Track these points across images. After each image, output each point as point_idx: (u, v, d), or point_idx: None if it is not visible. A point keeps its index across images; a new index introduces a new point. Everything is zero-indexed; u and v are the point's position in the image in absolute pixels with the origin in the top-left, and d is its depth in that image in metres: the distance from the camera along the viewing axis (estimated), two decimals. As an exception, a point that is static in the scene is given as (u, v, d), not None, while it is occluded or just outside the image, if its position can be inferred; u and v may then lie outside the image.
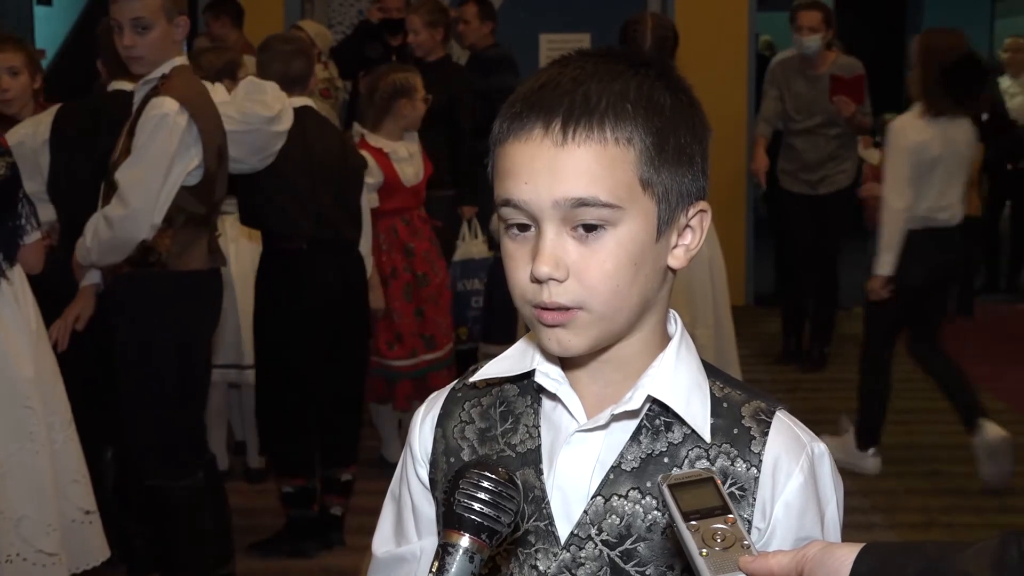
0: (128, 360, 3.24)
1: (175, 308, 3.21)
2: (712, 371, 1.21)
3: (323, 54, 6.21)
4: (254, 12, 6.42)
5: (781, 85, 6.04)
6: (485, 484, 1.01)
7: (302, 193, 3.75)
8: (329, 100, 6.18)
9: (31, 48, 3.96)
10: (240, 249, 4.38)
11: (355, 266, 3.93)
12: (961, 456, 4.93)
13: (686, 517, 0.96)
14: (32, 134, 3.49)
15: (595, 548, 1.15)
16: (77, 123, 3.54)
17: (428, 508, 1.26)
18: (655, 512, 1.14)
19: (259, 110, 3.54)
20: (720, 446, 1.15)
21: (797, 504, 1.15)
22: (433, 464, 1.25)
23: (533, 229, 1.10)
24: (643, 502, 1.14)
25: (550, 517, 1.17)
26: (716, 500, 0.98)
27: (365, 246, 4.01)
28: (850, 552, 0.92)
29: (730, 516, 0.97)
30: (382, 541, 1.31)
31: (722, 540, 0.95)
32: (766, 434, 1.16)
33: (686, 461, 1.15)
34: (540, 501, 1.17)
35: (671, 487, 0.98)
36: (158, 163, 3.08)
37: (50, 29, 7.71)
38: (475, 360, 4.48)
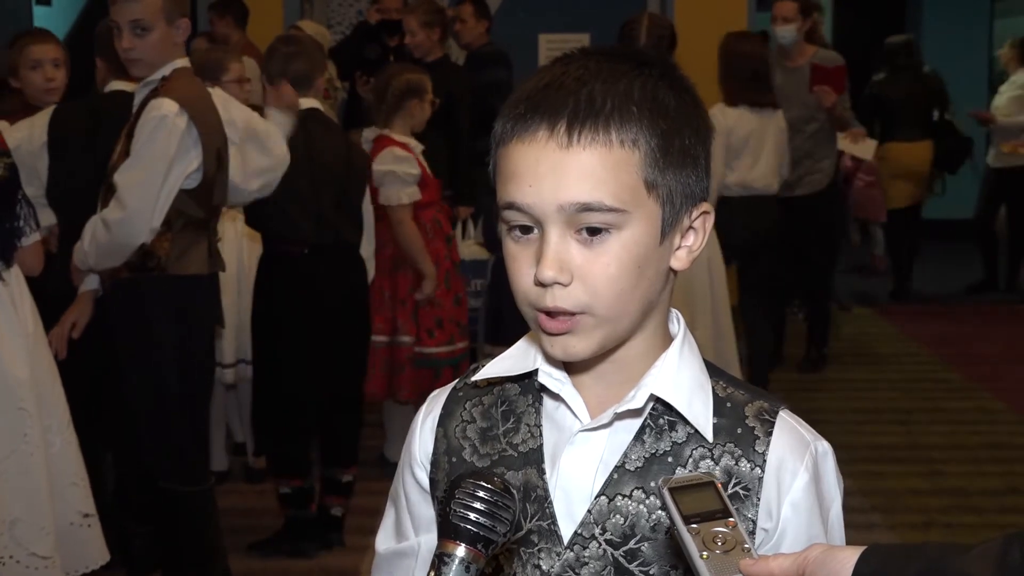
0: (131, 364, 3.24)
1: (175, 312, 3.20)
2: (715, 371, 1.21)
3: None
4: (254, 12, 6.41)
5: None
6: (481, 494, 1.01)
7: (303, 197, 3.73)
8: (328, 100, 6.17)
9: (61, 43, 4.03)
10: (246, 247, 4.40)
11: (356, 269, 3.92)
12: (961, 456, 4.95)
13: (687, 520, 0.96)
14: (28, 137, 3.46)
15: (599, 548, 1.15)
16: (74, 124, 3.53)
17: (425, 509, 1.26)
18: (659, 512, 1.14)
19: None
20: (724, 445, 1.15)
21: (804, 503, 1.15)
22: (435, 464, 1.25)
23: (536, 231, 1.09)
24: (647, 502, 1.14)
25: (553, 517, 1.16)
26: (717, 504, 0.97)
27: (367, 248, 4.00)
28: (852, 554, 0.92)
29: (731, 519, 0.96)
30: (384, 538, 1.32)
31: (723, 543, 0.95)
32: (770, 434, 1.16)
33: (690, 460, 1.15)
34: (543, 501, 1.17)
35: (671, 490, 0.98)
36: (157, 165, 3.06)
37: (49, 29, 7.69)
38: (473, 360, 4.49)
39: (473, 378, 1.25)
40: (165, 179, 3.07)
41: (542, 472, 1.18)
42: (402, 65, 4.74)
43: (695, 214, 1.14)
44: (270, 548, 3.88)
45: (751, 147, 5.05)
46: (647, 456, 1.15)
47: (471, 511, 1.00)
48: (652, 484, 1.14)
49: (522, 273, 1.10)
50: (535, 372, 1.19)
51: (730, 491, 1.13)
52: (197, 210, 3.18)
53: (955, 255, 9.20)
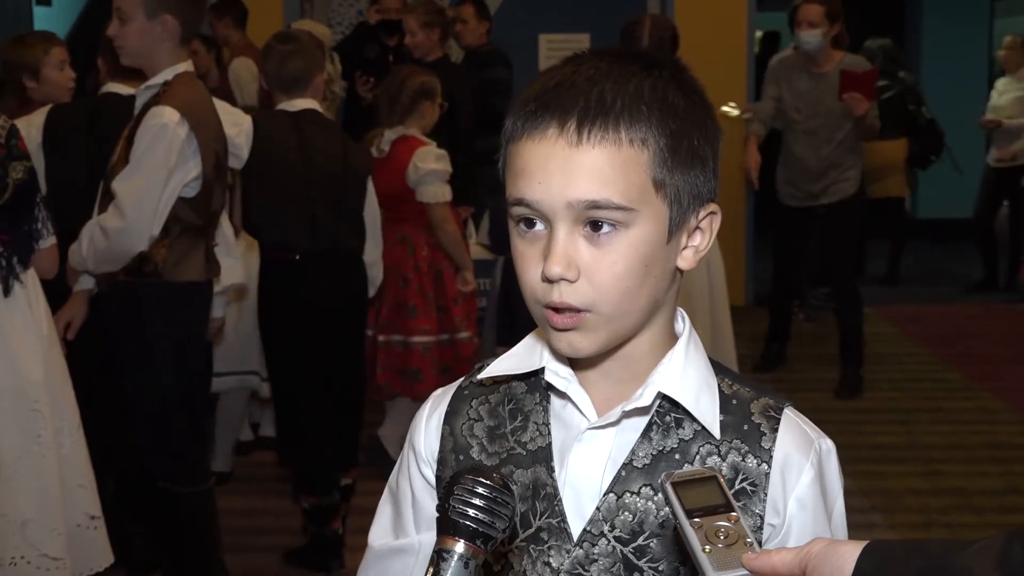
0: (128, 366, 3.24)
1: (171, 318, 3.19)
2: (720, 369, 1.22)
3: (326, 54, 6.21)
4: (254, 12, 6.42)
5: (781, 83, 5.62)
6: (480, 490, 1.01)
7: (297, 202, 3.67)
8: (325, 101, 6.17)
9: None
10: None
11: (352, 274, 3.83)
12: (961, 456, 4.95)
13: (689, 514, 0.96)
14: (25, 137, 3.46)
15: (608, 544, 1.15)
16: (70, 125, 3.53)
17: (430, 504, 1.26)
18: (667, 508, 1.14)
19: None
20: (731, 442, 1.16)
21: (810, 499, 1.16)
22: (441, 462, 1.25)
23: (544, 228, 1.10)
24: (655, 498, 1.15)
25: (562, 514, 1.17)
26: (719, 498, 0.98)
27: (373, 252, 3.91)
28: (854, 549, 0.92)
29: (733, 514, 0.97)
30: (380, 534, 1.31)
31: (725, 537, 0.95)
32: (776, 430, 1.17)
33: (697, 457, 1.16)
34: (552, 498, 1.18)
35: (674, 484, 0.98)
36: (156, 175, 3.04)
37: (49, 29, 7.69)
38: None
39: (479, 376, 1.25)
40: (164, 188, 3.06)
41: (551, 470, 1.18)
42: (413, 67, 4.72)
43: (702, 214, 1.15)
44: (294, 559, 3.86)
45: None
46: (654, 453, 1.16)
47: (470, 507, 1.00)
48: (660, 481, 1.14)
49: (530, 269, 1.11)
50: (541, 370, 1.20)
51: (737, 487, 1.15)
52: (195, 217, 3.17)
53: (955, 255, 9.20)
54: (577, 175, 1.07)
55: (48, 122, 3.52)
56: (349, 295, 3.82)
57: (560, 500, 1.17)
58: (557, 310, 1.10)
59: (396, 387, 4.46)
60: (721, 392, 1.18)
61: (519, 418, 1.22)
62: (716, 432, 1.15)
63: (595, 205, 1.07)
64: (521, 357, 1.21)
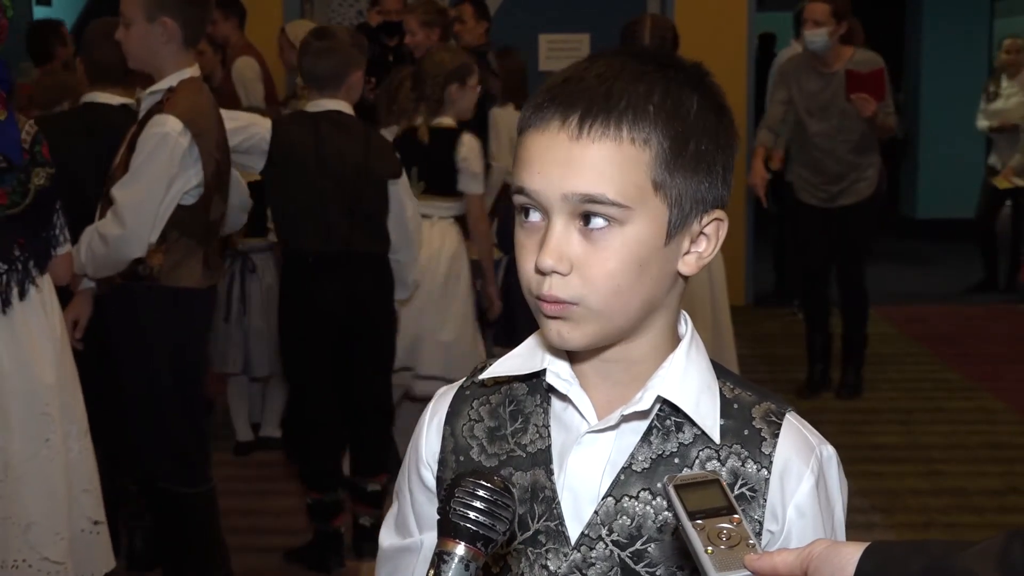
0: (126, 368, 3.24)
1: (167, 322, 3.19)
2: (722, 372, 1.21)
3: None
4: (253, 12, 6.41)
5: (791, 84, 5.43)
6: (481, 493, 1.01)
7: (309, 205, 3.64)
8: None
9: None
10: None
11: (368, 277, 3.74)
12: (961, 456, 4.95)
13: (691, 516, 0.96)
14: None
15: (605, 548, 1.15)
16: (52, 139, 3.52)
17: (429, 507, 1.26)
18: (666, 513, 1.14)
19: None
20: (731, 447, 1.16)
21: (810, 507, 1.15)
22: (442, 463, 1.25)
23: (541, 219, 1.11)
24: (654, 503, 1.15)
25: (560, 517, 1.17)
26: (721, 501, 0.98)
27: (406, 253, 3.82)
28: (855, 550, 0.92)
29: (735, 516, 0.97)
30: (388, 534, 1.32)
31: (727, 539, 0.95)
32: (776, 435, 1.16)
33: (696, 462, 1.15)
34: (551, 501, 1.17)
35: (676, 487, 0.98)
36: (157, 184, 3.03)
37: (49, 29, 7.69)
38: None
39: (480, 376, 1.25)
40: (164, 196, 3.06)
41: (550, 473, 1.18)
42: (410, 68, 4.68)
43: (706, 220, 1.14)
44: (295, 557, 3.86)
45: None
46: (654, 457, 1.16)
47: (471, 510, 1.00)
48: (659, 485, 1.14)
49: (527, 260, 1.12)
50: (543, 372, 1.20)
51: (736, 492, 1.14)
52: (193, 224, 3.17)
53: (955, 255, 9.21)
54: (575, 168, 1.08)
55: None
56: (362, 298, 3.73)
57: (558, 503, 1.17)
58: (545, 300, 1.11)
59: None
60: (722, 396, 1.18)
61: (519, 420, 1.22)
62: (716, 437, 1.15)
63: (591, 199, 1.07)
64: (523, 358, 1.21)
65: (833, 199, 5.43)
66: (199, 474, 3.33)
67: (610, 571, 1.15)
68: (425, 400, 1.36)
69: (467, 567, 1.00)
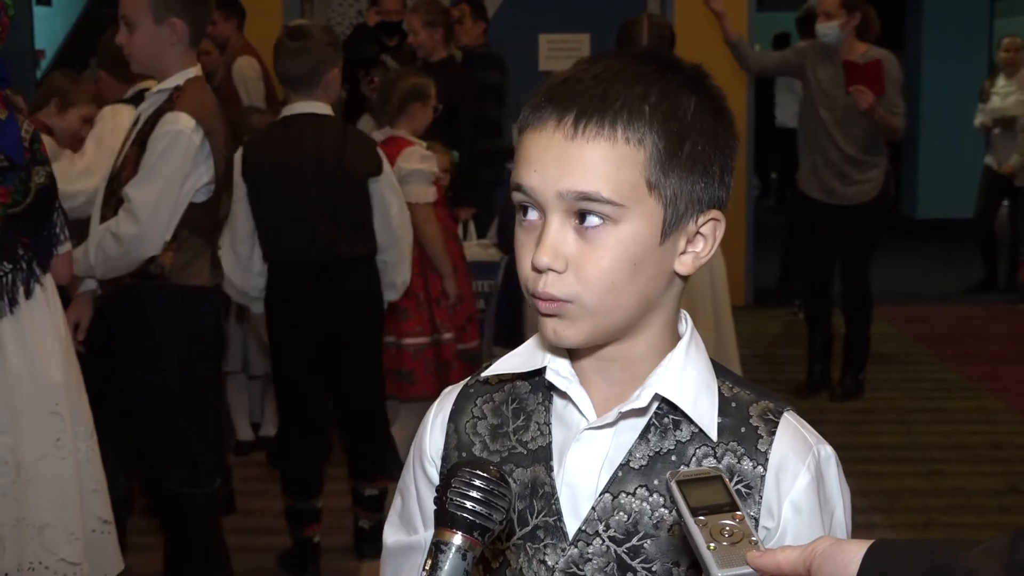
0: (134, 368, 3.24)
1: (177, 321, 3.19)
2: (721, 371, 1.22)
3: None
4: (253, 12, 6.42)
5: (806, 64, 5.37)
6: (477, 483, 1.02)
7: (289, 214, 3.58)
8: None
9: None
10: None
11: (355, 280, 3.69)
12: (961, 456, 4.95)
13: (694, 512, 0.96)
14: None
15: (602, 544, 1.16)
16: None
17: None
18: (662, 509, 1.15)
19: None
20: (727, 444, 1.16)
21: (806, 504, 1.16)
22: (445, 459, 1.26)
23: (539, 217, 1.12)
24: (650, 499, 1.16)
25: (559, 513, 1.18)
26: (724, 497, 0.98)
27: (392, 253, 3.74)
28: (859, 548, 0.92)
29: (738, 513, 0.97)
30: (392, 531, 1.33)
31: (730, 535, 0.95)
32: (773, 433, 1.17)
33: (693, 459, 1.16)
34: (550, 497, 1.18)
35: (679, 483, 0.98)
36: (172, 182, 3.03)
37: (49, 29, 7.71)
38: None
39: (483, 374, 1.26)
40: (178, 194, 3.06)
41: (550, 469, 1.19)
42: (407, 69, 4.72)
43: (702, 220, 1.15)
44: (281, 561, 3.86)
45: None
46: (651, 454, 1.16)
47: (467, 500, 1.01)
48: (656, 482, 1.15)
49: (525, 257, 1.13)
50: (544, 370, 1.20)
51: (732, 489, 1.14)
52: (203, 222, 3.17)
53: (955, 255, 9.21)
54: (570, 167, 1.09)
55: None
56: (350, 304, 3.68)
57: (557, 499, 1.18)
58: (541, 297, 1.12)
59: (389, 389, 4.43)
60: (721, 395, 1.18)
61: (521, 417, 1.23)
62: (713, 435, 1.16)
63: (585, 197, 1.08)
64: (524, 356, 1.23)
65: (835, 196, 5.39)
66: (203, 474, 3.32)
67: (607, 567, 1.16)
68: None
69: (464, 557, 1.00)
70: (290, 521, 3.82)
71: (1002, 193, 7.98)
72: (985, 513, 4.32)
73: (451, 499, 1.01)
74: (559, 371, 1.19)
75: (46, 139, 3.19)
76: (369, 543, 3.87)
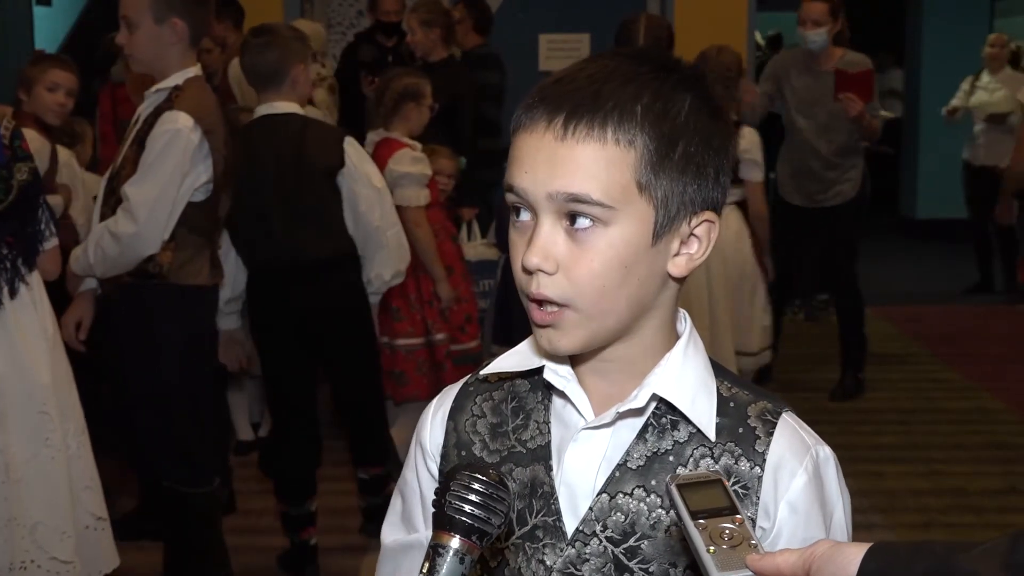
0: (133, 367, 3.24)
1: (177, 320, 3.19)
2: (720, 371, 1.21)
3: (320, 53, 6.19)
4: (254, 12, 6.40)
5: (781, 80, 5.49)
6: (476, 486, 1.01)
7: (251, 217, 3.54)
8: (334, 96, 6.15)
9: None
10: None
11: (330, 283, 3.62)
12: (961, 456, 4.95)
13: (694, 516, 0.96)
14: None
15: (600, 544, 1.16)
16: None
17: None
18: (659, 510, 1.15)
19: None
20: (725, 445, 1.16)
21: (802, 504, 1.15)
22: (444, 457, 1.26)
23: (530, 218, 1.12)
24: (648, 500, 1.15)
25: (558, 513, 1.18)
26: (724, 501, 0.98)
27: (370, 249, 3.67)
28: (858, 551, 0.92)
29: (738, 516, 0.97)
30: (391, 531, 1.32)
31: (729, 538, 0.95)
32: (771, 434, 1.16)
33: (691, 460, 1.16)
34: (549, 497, 1.18)
35: (679, 487, 0.98)
36: (171, 181, 3.03)
37: (50, 29, 7.70)
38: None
39: (483, 372, 1.26)
40: (177, 193, 3.06)
41: (549, 468, 1.19)
42: (401, 69, 4.71)
43: (696, 222, 1.14)
44: (280, 562, 3.86)
45: None
46: (649, 455, 1.16)
47: (466, 503, 1.01)
48: (653, 482, 1.15)
49: (518, 259, 1.13)
50: (542, 369, 1.20)
51: (731, 492, 1.14)
52: (202, 222, 3.17)
53: (955, 255, 9.20)
54: (560, 168, 1.08)
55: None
56: (326, 304, 3.63)
57: (556, 499, 1.18)
58: (539, 304, 1.12)
59: (384, 390, 4.45)
60: (719, 395, 1.18)
61: (521, 416, 1.23)
62: (711, 435, 1.15)
63: (575, 198, 1.08)
64: (523, 355, 1.22)
65: (816, 199, 5.45)
66: (203, 474, 3.33)
67: (604, 567, 1.15)
68: None
69: (462, 560, 1.00)
70: (286, 526, 3.83)
71: (985, 188, 7.87)
72: (985, 513, 4.32)
73: (450, 502, 1.01)
74: (557, 370, 1.19)
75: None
76: (370, 521, 3.97)
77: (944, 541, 0.93)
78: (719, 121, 1.15)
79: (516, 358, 1.22)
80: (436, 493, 1.03)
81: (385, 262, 3.73)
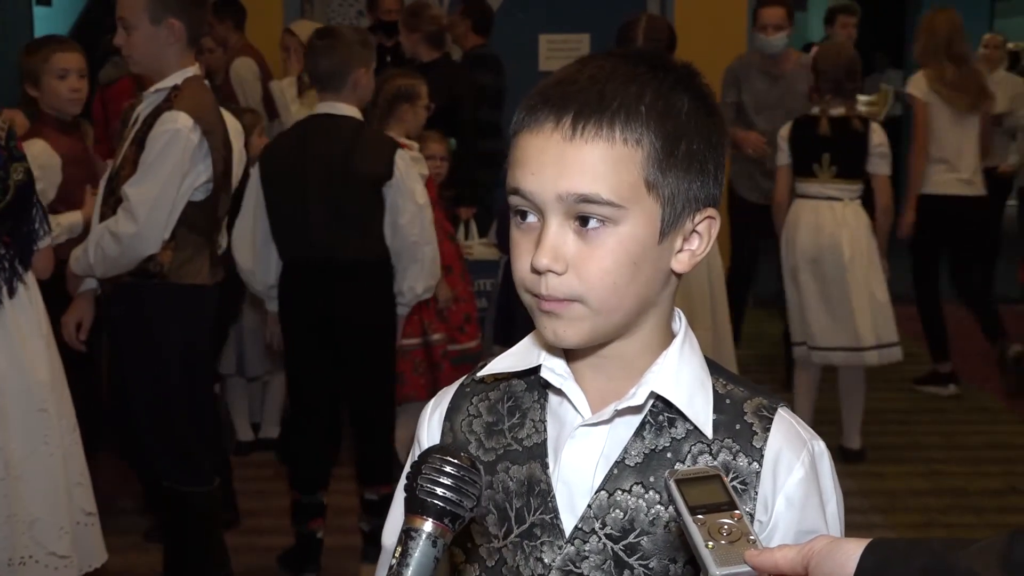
0: (133, 366, 3.24)
1: (176, 319, 3.20)
2: (715, 368, 1.22)
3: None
4: (254, 12, 6.41)
5: (742, 84, 5.52)
6: (448, 469, 1.01)
7: (294, 214, 3.58)
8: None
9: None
10: None
11: (359, 286, 3.63)
12: (961, 456, 4.95)
13: (692, 511, 0.97)
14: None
15: (599, 542, 1.16)
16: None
17: None
18: (658, 507, 1.15)
19: None
20: (722, 441, 1.17)
21: (799, 497, 1.16)
22: None
23: (537, 219, 1.12)
24: (646, 497, 1.16)
25: (555, 510, 1.18)
26: (723, 496, 0.99)
27: (405, 261, 3.65)
28: (856, 547, 0.92)
29: (736, 512, 0.97)
30: (390, 532, 1.32)
31: (728, 534, 0.95)
32: (768, 429, 1.17)
33: (689, 456, 1.16)
34: (546, 495, 1.18)
35: (678, 482, 0.99)
36: (171, 181, 3.04)
37: (50, 29, 7.71)
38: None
39: (479, 374, 1.27)
40: (177, 193, 3.07)
41: (545, 466, 1.19)
42: (397, 70, 4.70)
43: (698, 219, 1.15)
44: (281, 559, 3.85)
45: None
46: (647, 452, 1.17)
47: (438, 486, 1.01)
48: (651, 479, 1.16)
49: (522, 259, 1.13)
50: (539, 368, 1.21)
51: (730, 487, 1.15)
52: (202, 221, 3.18)
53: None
54: (569, 168, 1.09)
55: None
56: (351, 306, 3.63)
57: (553, 496, 1.18)
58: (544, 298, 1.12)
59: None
60: (715, 392, 1.19)
61: (517, 415, 1.23)
62: (708, 432, 1.16)
63: (585, 199, 1.08)
64: (520, 355, 1.23)
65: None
66: (202, 473, 3.33)
67: (603, 564, 1.16)
68: None
69: (434, 543, 1.00)
70: (295, 516, 3.81)
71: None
72: (985, 513, 4.32)
73: (421, 485, 1.01)
74: (554, 369, 1.20)
75: None
76: (369, 545, 3.86)
77: (942, 539, 0.93)
78: (715, 118, 1.16)
79: (512, 359, 1.23)
80: (407, 477, 1.03)
81: (418, 276, 3.74)
